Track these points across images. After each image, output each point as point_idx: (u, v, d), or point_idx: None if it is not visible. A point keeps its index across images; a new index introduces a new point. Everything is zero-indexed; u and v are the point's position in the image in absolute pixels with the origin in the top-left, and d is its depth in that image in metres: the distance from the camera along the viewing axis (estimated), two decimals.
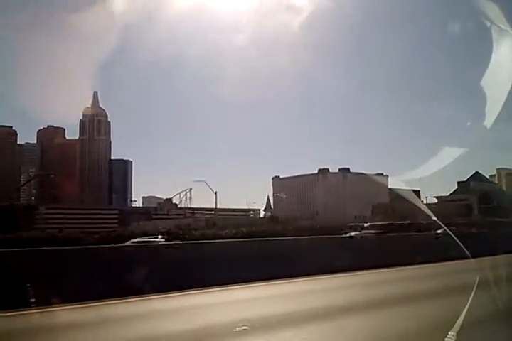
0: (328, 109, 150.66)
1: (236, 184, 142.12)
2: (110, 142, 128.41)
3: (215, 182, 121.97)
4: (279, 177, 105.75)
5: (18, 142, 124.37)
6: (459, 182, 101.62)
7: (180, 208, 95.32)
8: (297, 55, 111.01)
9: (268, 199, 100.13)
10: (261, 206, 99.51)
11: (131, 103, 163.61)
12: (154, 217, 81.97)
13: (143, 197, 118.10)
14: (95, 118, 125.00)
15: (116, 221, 78.99)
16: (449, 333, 4.56)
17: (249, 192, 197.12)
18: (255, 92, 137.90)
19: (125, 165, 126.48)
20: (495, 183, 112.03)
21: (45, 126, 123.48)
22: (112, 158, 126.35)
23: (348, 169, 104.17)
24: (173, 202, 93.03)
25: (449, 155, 7.72)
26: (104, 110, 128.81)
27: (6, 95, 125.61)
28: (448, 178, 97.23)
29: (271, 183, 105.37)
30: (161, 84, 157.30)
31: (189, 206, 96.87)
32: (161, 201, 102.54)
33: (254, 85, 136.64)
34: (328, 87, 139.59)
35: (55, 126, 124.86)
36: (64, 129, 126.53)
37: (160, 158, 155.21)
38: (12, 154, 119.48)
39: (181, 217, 79.14)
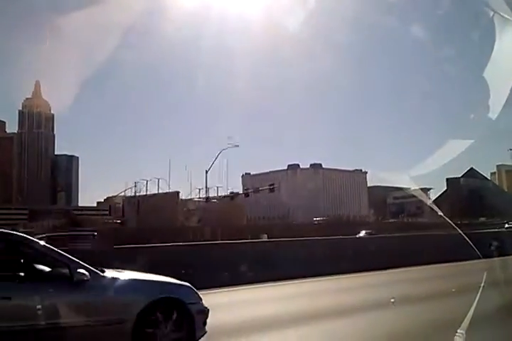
0: (323, 105, 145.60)
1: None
2: (53, 136, 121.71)
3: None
4: (249, 174, 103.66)
5: None
6: (448, 179, 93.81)
7: None
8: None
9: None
10: None
11: (77, 94, 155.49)
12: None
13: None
14: (35, 110, 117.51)
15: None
16: (458, 331, 4.52)
17: None
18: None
19: (70, 161, 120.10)
20: (488, 180, 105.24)
21: None
22: (56, 153, 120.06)
23: (320, 164, 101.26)
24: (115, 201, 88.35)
25: (450, 150, 7.33)
26: (46, 101, 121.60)
27: None
28: (447, 175, 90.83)
29: (240, 181, 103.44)
30: (112, 73, 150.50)
31: None
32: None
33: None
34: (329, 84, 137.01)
35: None
36: (4, 122, 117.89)
37: (109, 154, 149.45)
38: None
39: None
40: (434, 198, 73.93)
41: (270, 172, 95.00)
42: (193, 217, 61.96)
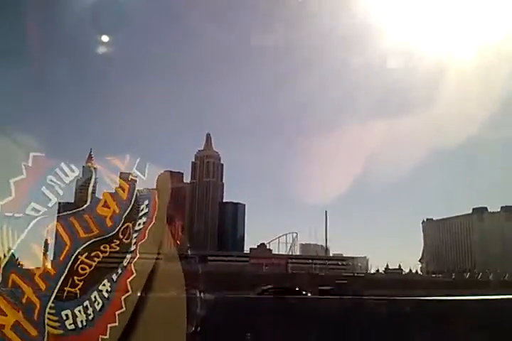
0: None
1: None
2: (222, 185, 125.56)
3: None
4: (432, 219, 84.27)
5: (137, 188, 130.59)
6: None
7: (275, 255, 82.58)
8: None
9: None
10: None
11: (245, 144, 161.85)
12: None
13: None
14: (205, 160, 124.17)
15: None
16: None
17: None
18: None
19: (236, 208, 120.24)
20: None
21: (162, 172, 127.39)
22: (224, 200, 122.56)
23: None
24: (268, 247, 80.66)
25: None
26: (217, 152, 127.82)
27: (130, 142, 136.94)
28: None
29: (420, 228, 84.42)
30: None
31: (292, 253, 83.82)
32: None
33: None
34: None
35: (173, 170, 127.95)
36: (182, 173, 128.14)
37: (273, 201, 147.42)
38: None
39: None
40: None
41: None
42: None
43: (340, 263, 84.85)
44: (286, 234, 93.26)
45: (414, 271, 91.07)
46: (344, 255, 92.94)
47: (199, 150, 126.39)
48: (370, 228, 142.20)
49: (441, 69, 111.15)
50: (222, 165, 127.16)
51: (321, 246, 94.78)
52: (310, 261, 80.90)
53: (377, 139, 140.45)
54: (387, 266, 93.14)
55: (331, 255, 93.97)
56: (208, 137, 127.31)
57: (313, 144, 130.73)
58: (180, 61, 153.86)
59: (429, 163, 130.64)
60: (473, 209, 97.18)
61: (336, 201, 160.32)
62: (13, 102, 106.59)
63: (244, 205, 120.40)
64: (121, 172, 5.67)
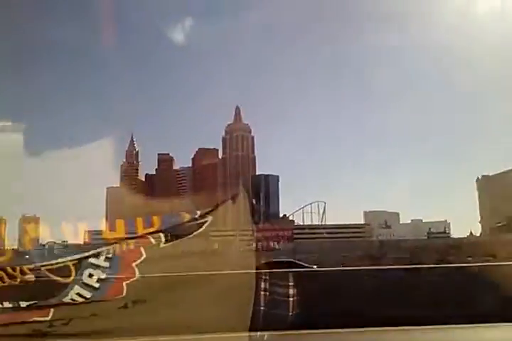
0: None
1: None
2: (254, 158, 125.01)
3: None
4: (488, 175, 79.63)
5: (175, 168, 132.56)
6: None
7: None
8: None
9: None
10: None
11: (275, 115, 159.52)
12: None
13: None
14: (235, 134, 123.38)
15: None
16: None
17: None
18: None
19: (268, 181, 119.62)
20: None
21: (197, 149, 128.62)
22: (257, 173, 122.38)
23: None
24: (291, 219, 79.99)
25: None
26: (247, 125, 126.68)
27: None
28: None
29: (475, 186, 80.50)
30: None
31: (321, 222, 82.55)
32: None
33: None
34: None
35: (206, 147, 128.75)
36: (217, 150, 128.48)
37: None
38: (167, 180, 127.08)
39: None
40: None
41: None
42: None
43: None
44: (311, 204, 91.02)
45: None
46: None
47: (228, 124, 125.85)
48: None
49: None
50: (253, 137, 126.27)
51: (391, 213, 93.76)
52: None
53: None
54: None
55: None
56: (237, 110, 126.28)
57: None
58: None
59: None
60: None
61: None
62: None
63: (278, 177, 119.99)
64: None
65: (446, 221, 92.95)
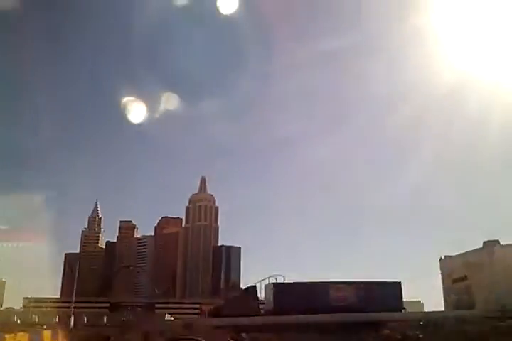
0: None
1: None
2: (217, 228, 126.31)
3: None
4: (449, 256, 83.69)
5: (136, 235, 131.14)
6: None
7: None
8: None
9: None
10: None
11: (240, 187, 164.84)
12: None
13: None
14: (197, 204, 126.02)
15: None
16: None
17: None
18: None
19: (229, 252, 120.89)
20: None
21: (160, 218, 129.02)
22: (219, 244, 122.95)
23: None
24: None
25: None
26: (212, 195, 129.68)
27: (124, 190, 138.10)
28: None
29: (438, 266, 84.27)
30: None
31: None
32: None
33: None
34: None
35: (170, 216, 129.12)
36: (181, 219, 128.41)
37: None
38: (128, 248, 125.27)
39: None
40: None
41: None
42: None
43: None
44: (269, 277, 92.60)
45: None
46: None
47: (193, 194, 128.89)
48: None
49: None
50: (217, 208, 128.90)
51: None
52: None
53: None
54: None
55: None
56: (203, 180, 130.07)
57: None
58: None
59: None
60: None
61: None
62: None
63: (240, 248, 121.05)
64: None
65: None
